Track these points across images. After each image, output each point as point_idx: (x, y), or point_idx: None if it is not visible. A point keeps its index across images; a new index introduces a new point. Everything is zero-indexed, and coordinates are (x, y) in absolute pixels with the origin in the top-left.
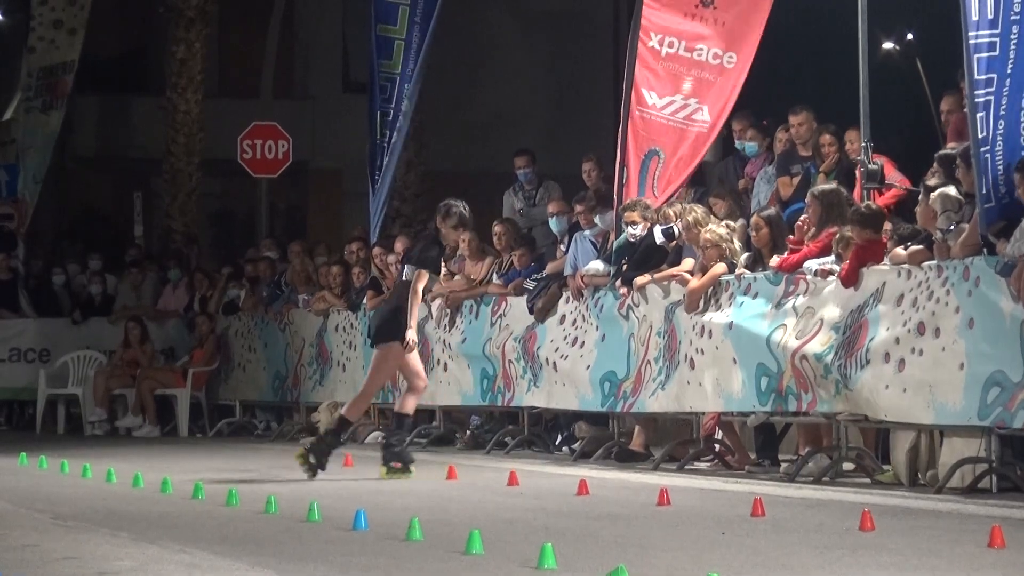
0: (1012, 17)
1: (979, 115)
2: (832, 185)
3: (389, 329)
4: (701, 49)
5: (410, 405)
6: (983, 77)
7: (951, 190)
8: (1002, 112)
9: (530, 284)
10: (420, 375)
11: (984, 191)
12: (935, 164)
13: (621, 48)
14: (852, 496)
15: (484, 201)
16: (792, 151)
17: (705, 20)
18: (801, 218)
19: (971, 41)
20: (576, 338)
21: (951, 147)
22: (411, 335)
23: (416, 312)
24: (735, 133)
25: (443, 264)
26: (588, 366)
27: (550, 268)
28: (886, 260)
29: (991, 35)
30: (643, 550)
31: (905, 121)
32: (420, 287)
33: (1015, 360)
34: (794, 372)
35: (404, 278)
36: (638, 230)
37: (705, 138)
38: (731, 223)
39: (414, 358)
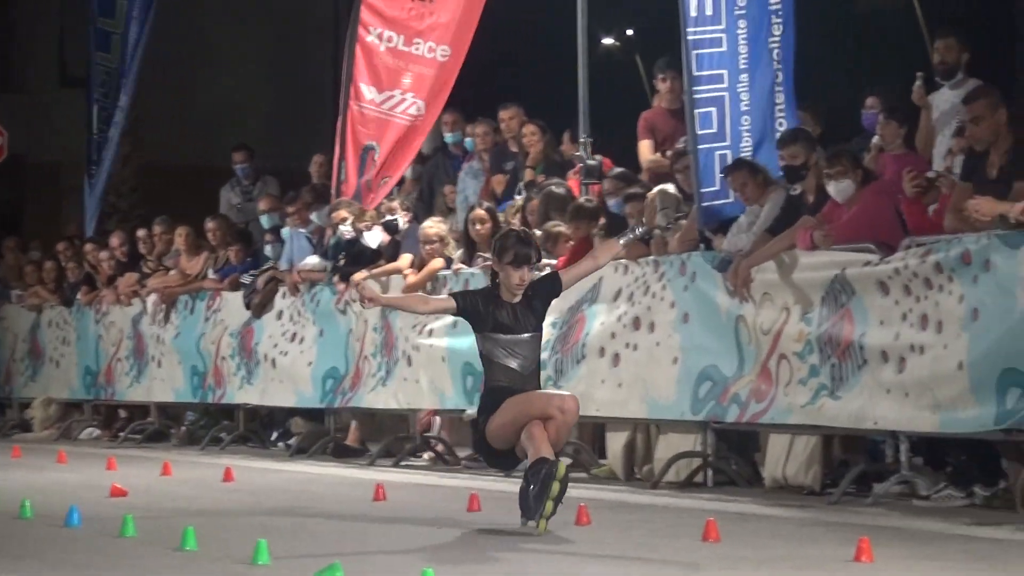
0: (736, 12)
1: (701, 111)
2: (557, 187)
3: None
4: (418, 43)
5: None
6: (706, 73)
7: (669, 187)
8: (744, 108)
9: (247, 279)
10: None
11: (716, 187)
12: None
13: (341, 43)
14: (569, 491)
15: (203, 196)
16: (503, 147)
17: (422, 15)
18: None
19: (690, 37)
20: (295, 334)
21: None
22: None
23: (395, 301)
24: (445, 126)
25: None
26: (309, 363)
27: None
28: None
29: (713, 31)
30: (359, 546)
31: (626, 118)
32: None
33: (730, 354)
34: None
35: None
36: (348, 226)
37: (419, 132)
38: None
39: None
